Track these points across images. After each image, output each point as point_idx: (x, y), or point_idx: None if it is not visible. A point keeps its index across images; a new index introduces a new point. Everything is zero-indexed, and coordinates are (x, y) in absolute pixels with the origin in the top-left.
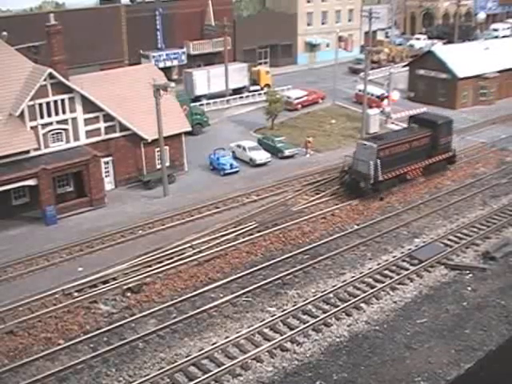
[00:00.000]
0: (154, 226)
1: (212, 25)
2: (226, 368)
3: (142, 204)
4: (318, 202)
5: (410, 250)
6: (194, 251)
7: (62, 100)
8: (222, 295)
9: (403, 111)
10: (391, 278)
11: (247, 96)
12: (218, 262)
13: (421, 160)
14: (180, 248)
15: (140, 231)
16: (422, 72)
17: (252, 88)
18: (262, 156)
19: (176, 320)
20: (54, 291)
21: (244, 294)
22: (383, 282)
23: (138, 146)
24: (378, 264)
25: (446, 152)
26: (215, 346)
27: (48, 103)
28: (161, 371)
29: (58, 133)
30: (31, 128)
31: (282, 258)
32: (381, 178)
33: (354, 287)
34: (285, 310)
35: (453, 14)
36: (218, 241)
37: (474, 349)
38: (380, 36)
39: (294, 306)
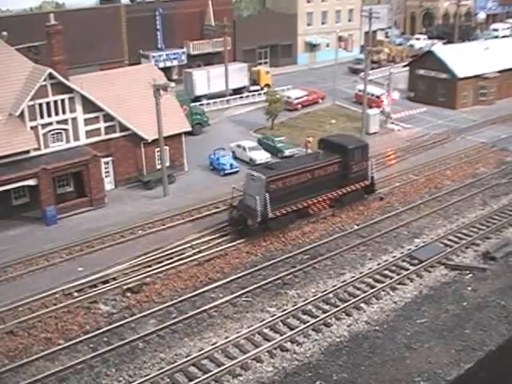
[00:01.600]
0: (154, 226)
1: (212, 25)
2: (226, 368)
3: (141, 204)
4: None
5: (409, 250)
6: (194, 251)
7: (62, 100)
8: (221, 295)
9: (403, 111)
10: (391, 278)
11: (247, 96)
12: (218, 262)
13: (328, 191)
14: (180, 248)
15: (140, 231)
16: (421, 72)
17: (252, 88)
18: (261, 156)
19: (176, 320)
20: (53, 291)
21: (244, 294)
22: (383, 282)
23: (138, 146)
24: (378, 264)
25: (361, 181)
26: (215, 346)
27: (48, 103)
28: (161, 371)
29: (58, 133)
30: (31, 128)
31: (282, 258)
32: (271, 214)
33: (354, 287)
34: (285, 310)
35: (453, 14)
36: (218, 241)
37: (473, 349)
38: (380, 36)
39: (293, 306)
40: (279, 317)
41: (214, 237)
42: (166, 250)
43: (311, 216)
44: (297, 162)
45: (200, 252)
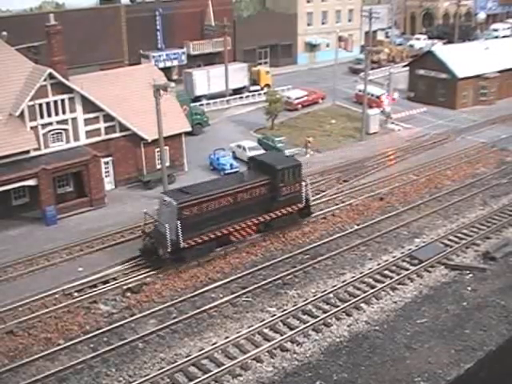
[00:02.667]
0: None
1: (212, 25)
2: (225, 368)
3: (142, 204)
4: (318, 202)
5: (410, 250)
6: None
7: (62, 100)
8: (222, 295)
9: (403, 111)
10: (391, 278)
11: (247, 96)
12: (218, 262)
13: (254, 216)
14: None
15: (140, 231)
16: (422, 72)
17: (252, 88)
18: None
19: (176, 320)
20: (53, 291)
21: (244, 294)
22: (383, 282)
23: (138, 146)
24: (378, 264)
25: (294, 204)
26: (215, 346)
27: (48, 103)
28: (161, 371)
29: (57, 133)
30: (31, 128)
31: (282, 258)
32: (183, 244)
33: (354, 287)
34: (285, 310)
35: (453, 14)
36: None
37: (473, 349)
38: (380, 36)
39: (294, 306)
40: (279, 317)
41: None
42: None
43: (235, 243)
44: (217, 185)
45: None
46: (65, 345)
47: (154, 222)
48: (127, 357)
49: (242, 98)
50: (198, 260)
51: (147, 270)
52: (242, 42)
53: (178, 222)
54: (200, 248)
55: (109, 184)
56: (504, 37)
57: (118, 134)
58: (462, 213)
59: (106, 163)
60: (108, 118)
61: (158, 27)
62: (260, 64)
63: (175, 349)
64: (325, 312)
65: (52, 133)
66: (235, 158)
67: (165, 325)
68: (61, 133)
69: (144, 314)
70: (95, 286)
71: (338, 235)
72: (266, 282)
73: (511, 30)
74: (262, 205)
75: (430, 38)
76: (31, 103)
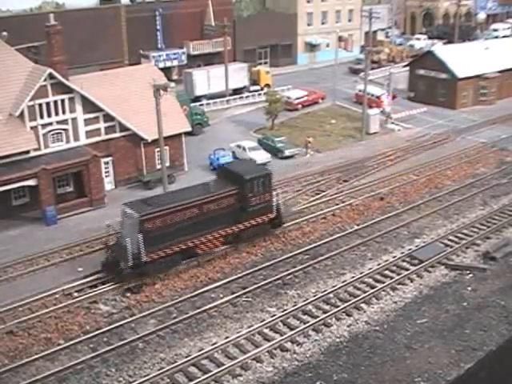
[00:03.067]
0: None
1: (212, 25)
2: (225, 368)
3: None
4: (318, 201)
5: (410, 250)
6: None
7: (62, 100)
8: (222, 295)
9: (403, 111)
10: (391, 278)
11: (247, 96)
12: (218, 262)
13: (221, 227)
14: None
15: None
16: (422, 72)
17: (252, 88)
18: (262, 156)
19: (176, 320)
20: (54, 291)
21: (244, 294)
22: (383, 282)
23: (138, 146)
24: (378, 264)
25: (264, 214)
26: (215, 346)
27: (48, 103)
28: (161, 371)
29: (57, 133)
30: (31, 128)
31: (282, 258)
32: (146, 258)
33: (354, 287)
34: (285, 310)
35: (453, 14)
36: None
37: (473, 349)
38: (380, 36)
39: (294, 306)
40: (279, 317)
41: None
42: None
43: (202, 256)
44: (182, 196)
45: None
46: (65, 345)
47: (117, 234)
48: (127, 357)
49: (242, 98)
50: (162, 274)
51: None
52: (242, 42)
53: (140, 235)
54: (164, 262)
55: (109, 184)
56: (504, 37)
57: (117, 134)
58: (462, 213)
59: (106, 163)
60: (108, 117)
61: (158, 27)
62: (260, 64)
63: (175, 349)
64: (325, 312)
65: (52, 133)
66: (235, 158)
67: (165, 325)
68: (61, 133)
69: (144, 314)
70: (95, 286)
71: (338, 235)
72: (266, 282)
73: (511, 30)
74: (230, 216)
75: (430, 37)
76: (31, 103)
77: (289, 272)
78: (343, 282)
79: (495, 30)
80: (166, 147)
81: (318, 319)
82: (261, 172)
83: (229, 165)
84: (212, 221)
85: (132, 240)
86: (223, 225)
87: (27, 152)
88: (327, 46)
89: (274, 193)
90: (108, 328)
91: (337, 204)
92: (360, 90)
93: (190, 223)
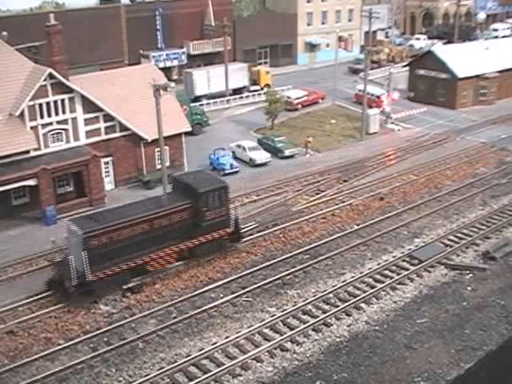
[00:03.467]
0: None
1: (212, 25)
2: (225, 368)
3: None
4: (318, 201)
5: (410, 250)
6: None
7: (62, 100)
8: (222, 295)
9: (403, 111)
10: (391, 277)
11: (247, 96)
12: (218, 262)
13: (174, 243)
14: None
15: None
16: (422, 72)
17: (252, 88)
18: (262, 156)
19: (176, 320)
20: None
21: (244, 293)
22: (383, 282)
23: (138, 146)
24: (378, 264)
25: (221, 228)
26: (215, 346)
27: (48, 103)
28: (161, 371)
29: (58, 133)
30: (31, 128)
31: (282, 257)
32: (91, 277)
33: (354, 287)
34: (285, 310)
35: (453, 14)
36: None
37: (473, 349)
38: (380, 36)
39: (293, 306)
40: (279, 317)
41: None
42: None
43: (154, 273)
44: (131, 211)
45: None
46: (65, 345)
47: (62, 251)
48: (127, 357)
49: (242, 97)
50: (110, 293)
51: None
52: (242, 42)
53: (84, 252)
54: (111, 280)
55: (109, 184)
56: (504, 37)
57: (117, 134)
58: (462, 213)
59: (106, 163)
60: (108, 117)
61: (158, 27)
62: (260, 64)
63: (175, 349)
64: (325, 312)
65: (52, 133)
66: (235, 157)
67: (165, 325)
68: (61, 133)
69: (144, 313)
70: None
71: (338, 235)
72: (266, 282)
73: (511, 30)
74: (183, 231)
75: (429, 38)
76: (31, 103)
77: (289, 272)
78: (343, 281)
79: (495, 30)
80: (166, 147)
81: (317, 319)
82: (216, 185)
83: (183, 176)
84: (164, 236)
85: (76, 258)
86: (176, 240)
87: (27, 152)
88: (327, 46)
89: (232, 206)
90: (108, 328)
91: (337, 204)
92: (360, 90)
93: (139, 239)
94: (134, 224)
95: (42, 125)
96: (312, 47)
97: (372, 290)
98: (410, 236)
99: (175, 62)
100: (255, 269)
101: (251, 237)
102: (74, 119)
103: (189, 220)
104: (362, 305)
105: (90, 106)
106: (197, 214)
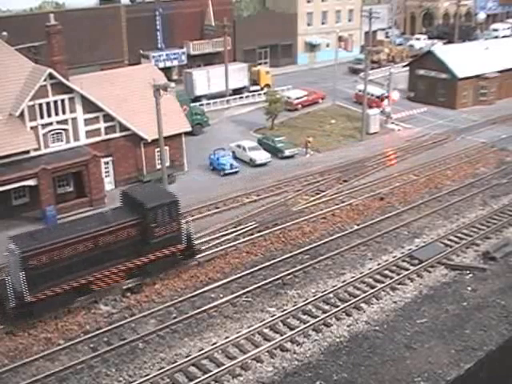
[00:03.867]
0: None
1: (212, 25)
2: (225, 368)
3: None
4: (318, 201)
5: (410, 250)
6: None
7: (62, 100)
8: (221, 295)
9: (403, 111)
10: (391, 278)
11: (247, 96)
12: (218, 262)
13: (121, 261)
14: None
15: None
16: (421, 72)
17: (252, 88)
18: (262, 156)
19: (176, 320)
20: None
21: (244, 294)
22: (383, 282)
23: (138, 146)
24: (378, 264)
25: (172, 245)
26: (215, 346)
27: (48, 103)
28: (161, 371)
29: (58, 133)
30: (31, 128)
31: (282, 258)
32: (30, 298)
33: (354, 287)
34: (285, 310)
35: (453, 14)
36: (218, 241)
37: (473, 349)
38: (380, 36)
39: (294, 306)
40: (279, 317)
41: (213, 237)
42: None
43: (101, 293)
44: (74, 228)
45: (200, 252)
46: (65, 345)
47: (3, 269)
48: (127, 357)
49: (242, 98)
50: (53, 313)
51: None
52: (242, 42)
53: (23, 272)
54: (53, 301)
55: (109, 184)
56: (504, 37)
57: (117, 134)
58: (462, 213)
59: (106, 163)
60: (108, 117)
61: (158, 27)
62: (260, 64)
63: (175, 349)
64: (325, 312)
65: (52, 133)
66: (235, 158)
67: (165, 325)
68: (61, 133)
69: (144, 314)
70: None
71: (338, 235)
72: (266, 281)
73: (511, 30)
74: (131, 248)
75: (430, 38)
76: (31, 103)
77: (289, 272)
78: (343, 281)
79: (495, 30)
80: (166, 147)
81: (317, 319)
82: (166, 199)
83: (132, 191)
84: (110, 254)
85: (14, 278)
86: (123, 258)
87: (27, 152)
88: (327, 46)
89: (183, 221)
90: (108, 328)
91: (337, 204)
92: (360, 90)
93: (83, 258)
94: (77, 242)
95: (42, 125)
96: (312, 47)
97: (372, 290)
98: (410, 236)
99: (175, 62)
100: (255, 269)
101: (251, 236)
102: (74, 119)
103: (137, 237)
104: (362, 305)
105: (90, 106)
106: (145, 231)
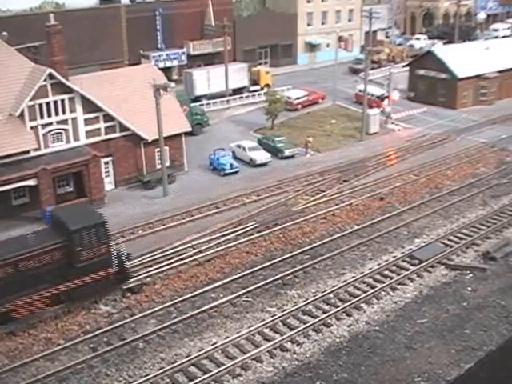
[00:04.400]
0: (154, 226)
1: (212, 25)
2: (225, 368)
3: (141, 204)
4: (318, 202)
5: (410, 250)
6: (195, 251)
7: (62, 100)
8: (222, 295)
9: (403, 111)
10: (391, 278)
11: (247, 96)
12: (218, 262)
13: (45, 287)
14: (180, 248)
15: (140, 231)
16: (422, 72)
17: (252, 88)
18: (262, 156)
19: (176, 320)
20: None
21: (244, 294)
22: (383, 282)
23: (138, 146)
24: (379, 264)
25: (101, 269)
26: (215, 346)
27: (48, 103)
28: (161, 371)
29: (57, 133)
30: (31, 128)
31: (282, 258)
32: None
33: (355, 287)
34: (285, 311)
35: (453, 14)
36: (218, 241)
37: (474, 349)
38: (380, 36)
39: (294, 306)
40: (279, 317)
41: (213, 237)
42: (166, 250)
43: (22, 322)
44: None
45: (200, 252)
46: (65, 345)
47: None
48: (127, 357)
49: (242, 98)
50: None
51: (149, 269)
52: (242, 42)
53: None
54: None
55: (109, 184)
56: (504, 37)
57: (117, 134)
58: (462, 213)
59: (106, 163)
60: (108, 117)
61: (158, 27)
62: (260, 64)
63: (175, 349)
64: (325, 312)
65: (52, 133)
66: (235, 157)
67: (165, 325)
68: (61, 133)
69: (144, 313)
70: None
71: (338, 235)
72: (266, 282)
73: (511, 30)
74: (56, 273)
75: (430, 38)
76: (31, 103)
77: (289, 272)
78: (343, 281)
79: (495, 30)
80: (166, 147)
81: (317, 319)
82: (92, 221)
83: (59, 212)
84: (32, 280)
85: None
86: (48, 284)
87: (27, 152)
88: (327, 46)
89: (113, 243)
90: (108, 328)
91: (337, 204)
92: (360, 90)
93: (1, 284)
94: None
95: (42, 125)
96: (312, 47)
97: (372, 290)
98: (411, 236)
99: (175, 62)
100: (255, 269)
101: (251, 236)
102: (74, 119)
103: (62, 261)
104: (363, 305)
105: (90, 106)
106: (71, 254)
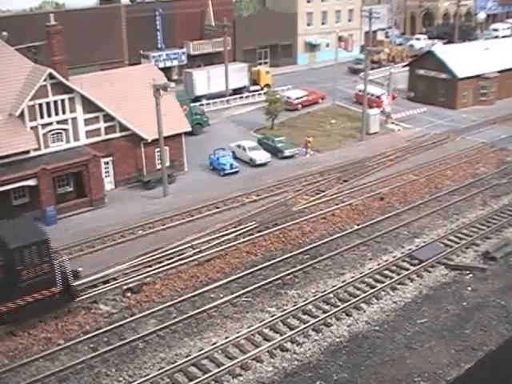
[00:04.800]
0: (154, 226)
1: (212, 25)
2: (225, 368)
3: (142, 204)
4: (318, 201)
5: (410, 250)
6: (194, 251)
7: (62, 100)
8: (221, 295)
9: (403, 111)
10: (391, 278)
11: (247, 96)
12: (218, 262)
13: None
14: (180, 248)
15: (140, 231)
16: (421, 72)
17: (252, 88)
18: (262, 156)
19: (176, 320)
20: None
21: (244, 294)
22: (383, 282)
23: (138, 146)
24: (378, 264)
25: (45, 288)
26: (215, 346)
27: (48, 103)
28: (161, 371)
29: (58, 133)
30: (31, 128)
31: (282, 258)
32: None
33: (354, 287)
34: (285, 310)
35: (453, 14)
36: (218, 241)
37: (473, 349)
38: (380, 36)
39: (294, 306)
40: (279, 317)
41: (213, 237)
42: (166, 250)
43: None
44: None
45: (200, 252)
46: (65, 345)
47: None
48: (127, 357)
49: (241, 97)
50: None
51: (149, 269)
52: (242, 42)
53: None
54: None
55: (109, 184)
56: (504, 37)
57: (117, 134)
58: (462, 213)
59: (106, 163)
60: (108, 117)
61: (158, 27)
62: (260, 64)
63: (175, 349)
64: (325, 312)
65: (52, 133)
66: (235, 157)
67: (165, 325)
68: (61, 133)
69: (144, 313)
70: (95, 285)
71: (338, 235)
72: (266, 281)
73: (511, 30)
74: None
75: (430, 38)
76: (31, 103)
77: (289, 272)
78: (343, 281)
79: (495, 30)
80: (166, 147)
81: (317, 319)
82: (34, 238)
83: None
84: None
85: None
86: None
87: (27, 152)
88: (327, 46)
89: (56, 261)
90: (108, 328)
91: (337, 204)
92: (360, 90)
93: None
94: None
95: (42, 125)
96: (312, 47)
97: (372, 290)
98: (410, 236)
99: (175, 62)
100: (255, 269)
101: (251, 236)
102: (74, 119)
103: (2, 281)
104: (362, 305)
105: (89, 106)
106: (11, 273)
